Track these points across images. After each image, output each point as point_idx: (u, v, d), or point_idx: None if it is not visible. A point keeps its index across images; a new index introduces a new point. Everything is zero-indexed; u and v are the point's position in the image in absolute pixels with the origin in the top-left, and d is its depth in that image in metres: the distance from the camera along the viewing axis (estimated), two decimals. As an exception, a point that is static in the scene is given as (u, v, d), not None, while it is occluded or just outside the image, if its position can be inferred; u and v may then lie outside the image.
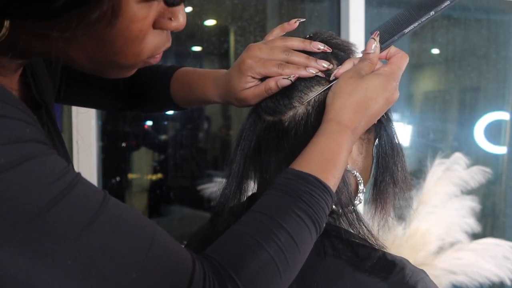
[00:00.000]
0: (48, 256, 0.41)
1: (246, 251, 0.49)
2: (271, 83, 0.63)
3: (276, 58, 0.64)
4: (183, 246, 0.50)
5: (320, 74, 0.63)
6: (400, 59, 0.64)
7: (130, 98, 0.88)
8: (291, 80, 0.62)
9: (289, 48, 0.65)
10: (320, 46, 0.64)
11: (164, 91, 0.82)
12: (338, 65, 0.65)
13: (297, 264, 0.53)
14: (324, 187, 0.55)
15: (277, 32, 0.69)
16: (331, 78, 0.63)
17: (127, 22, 0.46)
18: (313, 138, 0.60)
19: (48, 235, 0.41)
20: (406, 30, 0.64)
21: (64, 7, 0.42)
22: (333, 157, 0.58)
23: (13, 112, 0.43)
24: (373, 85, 0.61)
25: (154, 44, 0.51)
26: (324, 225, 0.56)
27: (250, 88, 0.65)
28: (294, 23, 0.69)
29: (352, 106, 0.60)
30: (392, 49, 0.65)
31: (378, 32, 0.64)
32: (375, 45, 0.63)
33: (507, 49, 2.32)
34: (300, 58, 0.64)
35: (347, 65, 0.64)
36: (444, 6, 0.62)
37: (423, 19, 0.63)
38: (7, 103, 0.43)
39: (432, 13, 0.62)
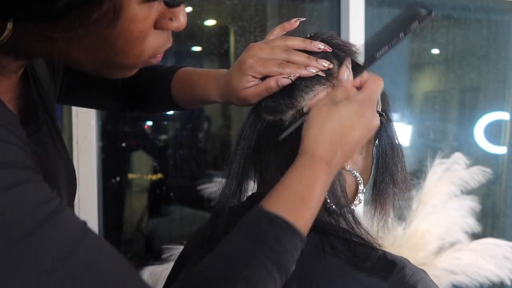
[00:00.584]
0: (22, 284, 0.40)
1: None
2: (272, 82, 0.63)
3: (276, 57, 0.64)
4: None
5: (320, 73, 0.63)
6: (373, 83, 0.62)
7: (131, 99, 0.88)
8: (291, 79, 0.62)
9: (289, 47, 0.65)
10: (320, 46, 0.64)
11: (165, 91, 0.82)
12: (338, 65, 0.65)
13: None
14: (291, 229, 0.53)
15: (277, 31, 0.69)
16: (305, 110, 0.63)
17: (128, 22, 0.46)
18: (286, 172, 0.57)
19: (27, 262, 0.40)
20: (377, 55, 0.62)
21: (66, 8, 0.42)
22: (304, 195, 0.55)
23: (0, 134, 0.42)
24: (347, 111, 0.58)
25: (155, 44, 0.51)
26: (294, 267, 0.54)
27: (251, 87, 0.65)
28: (295, 23, 0.69)
29: (326, 136, 0.57)
30: (365, 74, 0.63)
31: (350, 59, 0.63)
32: (347, 72, 0.62)
33: (507, 49, 2.32)
34: (301, 57, 0.64)
35: (321, 95, 0.63)
36: (412, 27, 0.60)
37: (393, 42, 0.61)
38: None
39: (401, 35, 0.61)
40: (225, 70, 0.72)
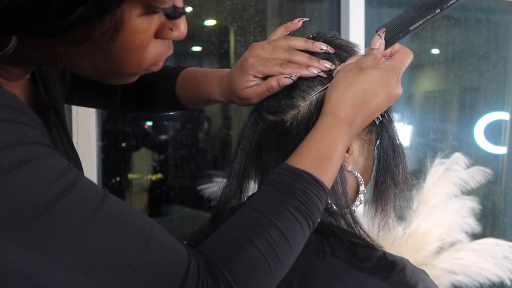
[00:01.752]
0: (50, 253, 0.42)
1: (237, 248, 0.50)
2: (273, 82, 0.63)
3: (278, 57, 0.64)
4: (182, 242, 0.51)
5: (322, 74, 0.63)
6: (404, 54, 0.63)
7: (136, 100, 0.89)
8: (292, 79, 0.62)
9: (291, 47, 0.65)
10: (323, 47, 0.64)
11: (169, 91, 0.83)
12: (339, 65, 0.65)
13: (289, 260, 0.53)
14: (317, 183, 0.55)
15: (280, 31, 0.69)
16: (334, 74, 0.63)
17: (129, 35, 0.47)
18: (310, 132, 0.59)
19: (49, 233, 0.42)
20: (411, 28, 0.63)
21: (69, 25, 0.43)
22: (327, 153, 0.57)
23: (15, 115, 0.44)
24: (372, 78, 0.60)
25: (156, 53, 0.52)
26: (318, 220, 0.56)
27: (252, 86, 0.65)
28: (298, 22, 0.69)
29: (349, 99, 0.59)
30: (397, 46, 0.65)
31: (384, 29, 0.64)
32: (380, 41, 0.63)
33: (507, 49, 2.32)
34: (302, 57, 0.64)
35: (351, 61, 0.63)
36: (449, 4, 0.62)
37: (428, 17, 0.62)
38: (10, 107, 0.44)
39: (437, 11, 0.62)
40: (228, 69, 0.72)
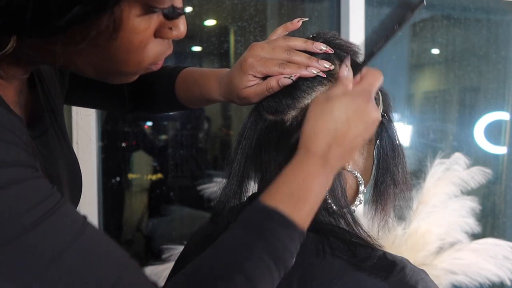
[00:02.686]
0: (18, 280, 0.42)
1: None
2: (273, 82, 0.63)
3: (278, 57, 0.64)
4: (151, 279, 0.51)
5: (321, 74, 0.63)
6: (372, 76, 0.61)
7: (136, 100, 0.89)
8: (292, 79, 0.62)
9: (291, 47, 0.65)
10: (322, 47, 0.64)
11: (169, 91, 0.82)
12: (340, 66, 0.65)
13: None
14: (288, 224, 0.53)
15: (280, 31, 0.69)
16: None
17: (128, 34, 0.47)
18: (284, 167, 0.57)
19: (21, 261, 0.42)
20: (374, 49, 0.62)
21: (67, 24, 0.43)
22: (300, 190, 0.55)
23: (1, 134, 0.44)
24: (340, 105, 0.57)
25: (155, 52, 0.52)
26: (292, 262, 0.54)
27: (252, 86, 0.65)
28: (297, 22, 0.69)
29: (319, 131, 0.57)
30: (364, 70, 0.63)
31: (349, 56, 0.63)
32: (347, 70, 0.61)
33: (507, 49, 2.32)
34: (302, 57, 0.64)
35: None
36: (406, 17, 0.61)
37: (388, 35, 0.61)
38: None
39: (396, 27, 0.61)
40: (227, 69, 0.72)
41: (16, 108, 0.57)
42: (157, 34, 0.51)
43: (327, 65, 0.63)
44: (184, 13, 0.52)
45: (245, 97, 0.66)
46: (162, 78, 0.84)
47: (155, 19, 0.49)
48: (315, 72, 0.63)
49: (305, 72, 0.63)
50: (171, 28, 0.51)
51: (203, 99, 0.78)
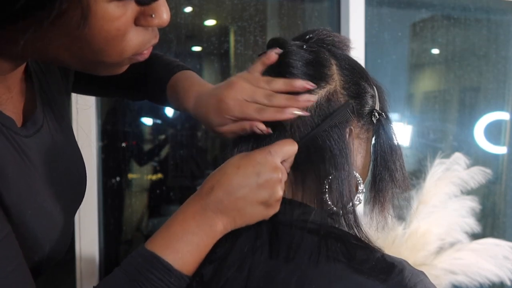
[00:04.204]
0: None
1: None
2: (247, 126, 0.63)
3: (257, 101, 0.63)
4: None
5: (303, 113, 0.61)
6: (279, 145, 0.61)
7: (142, 90, 0.89)
8: (264, 132, 0.62)
9: (273, 91, 0.63)
10: (305, 85, 0.62)
11: (162, 91, 0.82)
12: (336, 65, 0.65)
13: None
14: (162, 266, 0.54)
15: (259, 68, 0.67)
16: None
17: (100, 21, 0.46)
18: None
19: None
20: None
21: (22, 10, 0.42)
22: (176, 229, 0.57)
23: None
24: (239, 159, 0.60)
25: (137, 42, 0.51)
26: None
27: (227, 125, 0.65)
28: (272, 57, 0.66)
29: (211, 176, 0.59)
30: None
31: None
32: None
33: (507, 49, 2.32)
34: (281, 101, 0.62)
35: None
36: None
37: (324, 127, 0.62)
38: None
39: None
40: (209, 86, 0.71)
41: (4, 106, 0.57)
42: (138, 22, 0.49)
43: (307, 98, 0.61)
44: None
45: (219, 134, 0.66)
46: (158, 77, 0.84)
47: (133, 6, 0.48)
48: (296, 112, 0.61)
49: (283, 116, 0.61)
50: (152, 16, 0.50)
51: (183, 110, 0.78)
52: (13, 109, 0.59)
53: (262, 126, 0.62)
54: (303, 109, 0.62)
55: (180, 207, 0.58)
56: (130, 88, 0.88)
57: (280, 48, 0.65)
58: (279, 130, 0.64)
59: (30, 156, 0.59)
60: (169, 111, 1.90)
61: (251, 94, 0.63)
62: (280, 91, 0.63)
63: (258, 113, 0.62)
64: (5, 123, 0.56)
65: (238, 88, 0.63)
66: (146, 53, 0.54)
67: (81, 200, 0.75)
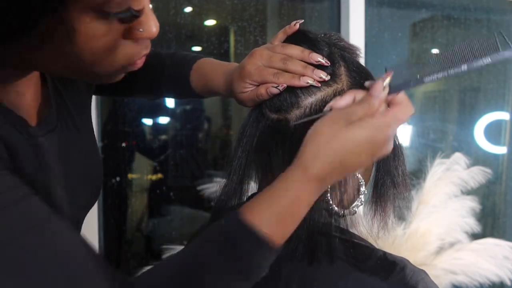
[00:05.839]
0: None
1: None
2: (262, 90, 0.64)
3: (274, 66, 0.65)
4: (114, 274, 0.51)
5: (315, 84, 0.62)
6: (402, 111, 0.56)
7: (160, 87, 0.91)
8: (279, 89, 0.63)
9: (288, 56, 0.65)
10: (319, 59, 0.63)
11: (185, 80, 0.85)
12: (345, 67, 0.64)
13: None
14: (267, 245, 0.52)
15: (280, 36, 0.69)
16: (326, 108, 0.60)
17: (86, 39, 0.47)
18: (275, 180, 0.55)
19: None
20: (426, 79, 0.55)
21: (7, 35, 0.44)
22: (288, 210, 0.53)
23: None
24: (358, 138, 0.53)
25: (127, 55, 0.51)
26: (260, 276, 0.53)
27: (247, 92, 0.67)
28: (295, 26, 0.69)
29: (326, 156, 0.53)
30: (400, 96, 0.56)
31: (392, 73, 0.56)
32: (383, 88, 0.55)
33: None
34: (297, 66, 0.63)
35: (347, 98, 0.59)
36: (481, 63, 0.52)
37: (451, 71, 0.54)
38: None
39: (463, 67, 0.53)
40: (235, 64, 0.74)
41: (17, 108, 0.58)
42: (126, 36, 0.50)
43: (323, 75, 0.62)
44: (138, 16, 0.49)
45: (240, 101, 0.69)
46: (180, 67, 0.86)
47: (116, 23, 0.48)
48: (310, 82, 0.62)
49: (297, 82, 0.62)
50: (140, 30, 0.50)
51: (213, 92, 0.81)
52: (26, 112, 0.60)
53: (275, 90, 0.63)
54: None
55: (288, 183, 0.53)
56: (152, 84, 0.90)
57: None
58: (282, 125, 0.64)
59: (44, 155, 0.60)
60: (169, 111, 1.90)
61: (268, 59, 0.65)
62: (295, 57, 0.64)
63: (274, 77, 0.63)
64: (16, 122, 0.57)
65: (257, 55, 0.66)
66: (140, 62, 0.55)
67: (94, 202, 0.76)
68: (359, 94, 0.58)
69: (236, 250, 0.51)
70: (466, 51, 0.53)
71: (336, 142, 0.53)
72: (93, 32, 0.46)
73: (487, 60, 0.52)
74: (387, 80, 0.55)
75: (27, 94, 0.61)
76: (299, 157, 0.55)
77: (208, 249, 0.52)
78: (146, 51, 0.54)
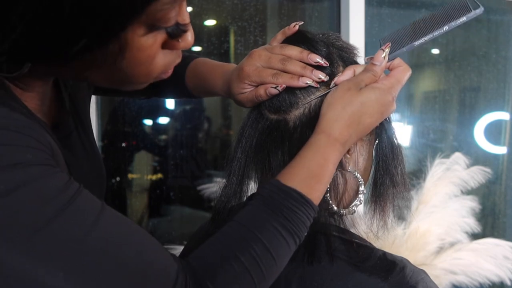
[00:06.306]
0: (53, 261, 0.45)
1: (222, 262, 0.52)
2: (261, 91, 0.65)
3: (273, 66, 0.65)
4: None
5: (314, 84, 0.63)
6: (402, 72, 0.64)
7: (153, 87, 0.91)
8: (278, 89, 0.63)
9: (287, 56, 0.65)
10: (317, 59, 0.64)
11: (180, 80, 0.85)
12: (343, 67, 0.65)
13: (273, 275, 0.55)
14: (306, 202, 0.57)
15: (280, 37, 0.70)
16: (331, 85, 0.63)
17: (134, 52, 0.49)
18: (302, 149, 0.60)
19: (52, 243, 0.45)
20: (416, 43, 0.63)
21: (74, 56, 0.47)
22: (319, 172, 0.59)
23: (15, 138, 0.46)
24: (370, 99, 0.61)
25: (164, 63, 0.54)
26: (304, 235, 0.57)
27: (245, 93, 0.67)
28: (294, 27, 0.69)
29: (344, 120, 0.60)
30: (396, 61, 0.65)
31: (389, 44, 0.63)
32: (383, 56, 0.63)
33: (507, 49, 2.32)
34: (296, 67, 0.64)
35: (348, 73, 0.63)
36: (458, 22, 0.61)
37: (435, 33, 0.62)
38: (11, 130, 0.46)
39: (445, 28, 0.62)
40: (233, 65, 0.74)
41: (40, 113, 0.59)
42: (165, 45, 0.52)
43: (321, 76, 0.63)
44: (187, 29, 0.52)
45: (239, 102, 0.69)
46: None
47: (161, 34, 0.51)
48: (309, 82, 0.63)
49: (296, 83, 0.63)
50: (178, 40, 0.53)
51: (209, 92, 0.81)
52: (44, 116, 0.61)
53: (274, 90, 0.63)
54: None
55: (314, 148, 0.59)
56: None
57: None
58: (281, 125, 0.64)
59: (60, 159, 0.61)
60: (169, 112, 1.90)
61: (267, 60, 0.66)
62: (294, 58, 0.65)
63: (273, 77, 0.64)
64: (40, 123, 0.58)
65: (256, 56, 0.66)
66: (170, 71, 0.58)
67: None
68: (358, 68, 0.64)
69: (283, 210, 0.55)
70: (445, 14, 0.62)
71: (351, 106, 0.60)
72: (142, 45, 0.49)
73: (463, 19, 0.61)
74: (387, 50, 0.63)
75: (46, 98, 0.61)
76: (320, 124, 0.61)
77: (256, 216, 0.56)
78: (179, 59, 0.57)
